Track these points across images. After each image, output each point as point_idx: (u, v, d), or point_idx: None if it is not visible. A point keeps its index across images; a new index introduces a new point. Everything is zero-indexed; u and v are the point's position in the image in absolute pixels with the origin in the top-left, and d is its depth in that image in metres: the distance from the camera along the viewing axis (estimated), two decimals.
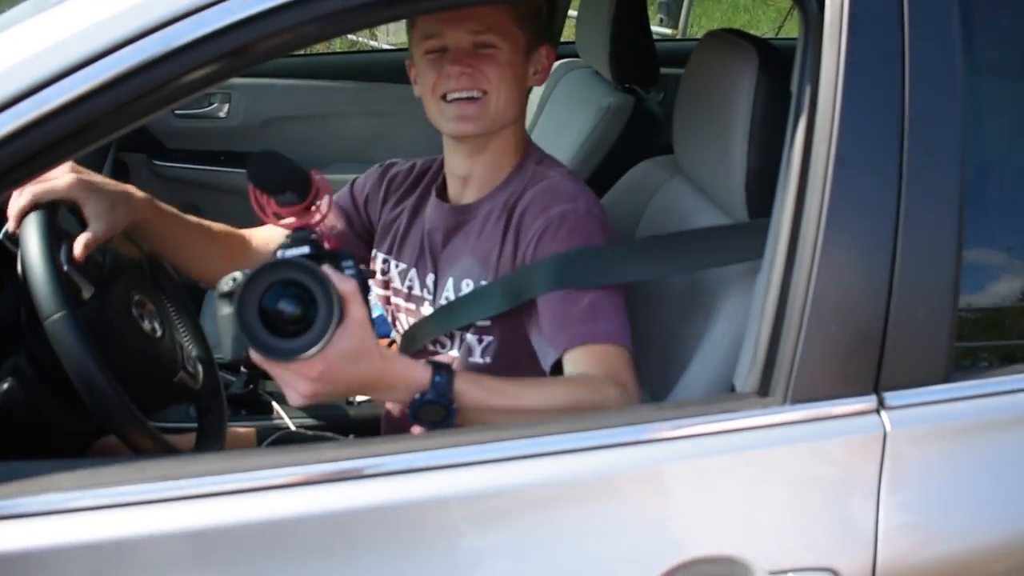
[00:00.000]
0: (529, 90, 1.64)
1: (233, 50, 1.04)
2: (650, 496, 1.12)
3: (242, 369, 1.88)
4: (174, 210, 1.73)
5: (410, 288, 1.70)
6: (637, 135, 2.57)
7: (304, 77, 3.14)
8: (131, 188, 1.62)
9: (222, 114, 3.04)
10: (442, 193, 1.69)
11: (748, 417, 1.14)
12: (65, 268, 1.37)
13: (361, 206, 1.80)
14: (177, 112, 2.98)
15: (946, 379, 1.20)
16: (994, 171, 1.32)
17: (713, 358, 1.41)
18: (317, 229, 1.23)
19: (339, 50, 5.78)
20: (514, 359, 1.53)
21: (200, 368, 1.61)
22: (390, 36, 7.13)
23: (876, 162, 1.15)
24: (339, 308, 1.06)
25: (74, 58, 0.99)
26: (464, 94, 1.51)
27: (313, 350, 1.05)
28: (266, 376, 1.96)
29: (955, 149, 1.18)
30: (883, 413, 1.17)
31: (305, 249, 1.18)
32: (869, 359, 1.17)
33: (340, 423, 2.01)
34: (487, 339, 1.56)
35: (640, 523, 1.11)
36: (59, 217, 1.44)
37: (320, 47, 6.63)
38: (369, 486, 1.05)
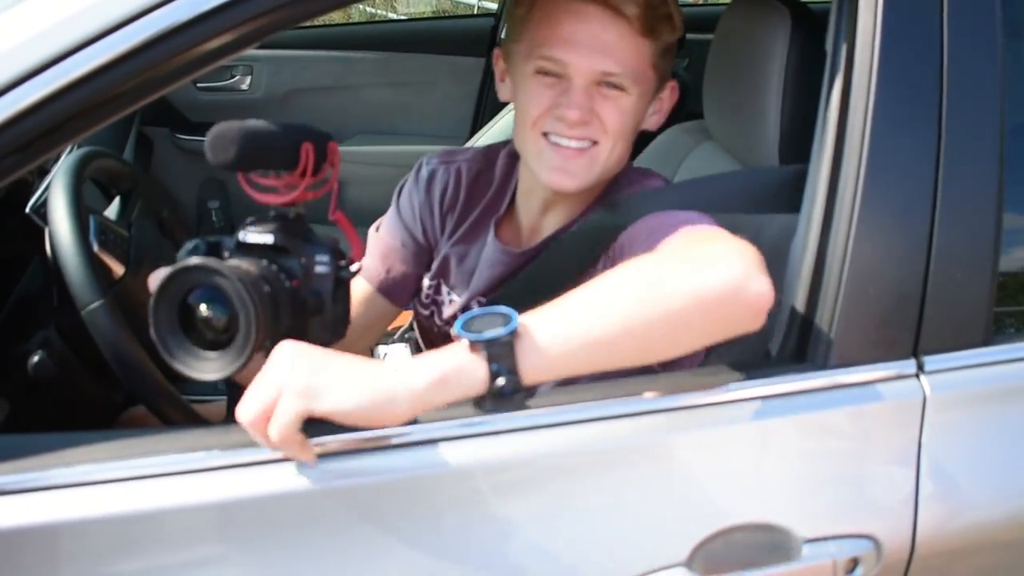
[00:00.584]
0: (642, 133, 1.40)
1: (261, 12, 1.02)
2: (687, 463, 1.11)
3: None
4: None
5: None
6: None
7: (325, 48, 3.13)
8: None
9: (244, 87, 3.03)
10: (500, 227, 1.47)
11: (786, 382, 1.12)
12: (95, 249, 1.38)
13: (418, 232, 1.55)
14: (199, 85, 2.98)
15: (986, 343, 1.18)
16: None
17: None
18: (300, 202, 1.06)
19: (359, 20, 5.76)
20: None
21: None
22: (410, 8, 7.10)
23: (915, 121, 1.13)
24: (256, 323, 0.90)
25: (98, 26, 0.98)
26: (574, 144, 1.29)
27: (223, 373, 0.93)
28: None
29: (995, 108, 1.16)
30: (922, 377, 1.15)
31: (268, 238, 1.03)
32: (908, 323, 1.15)
33: None
34: None
35: (678, 490, 1.10)
36: (84, 193, 1.44)
37: (340, 17, 6.61)
38: (396, 456, 1.02)
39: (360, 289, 1.57)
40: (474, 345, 0.90)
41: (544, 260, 1.37)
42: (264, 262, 1.02)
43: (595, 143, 1.29)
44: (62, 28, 0.98)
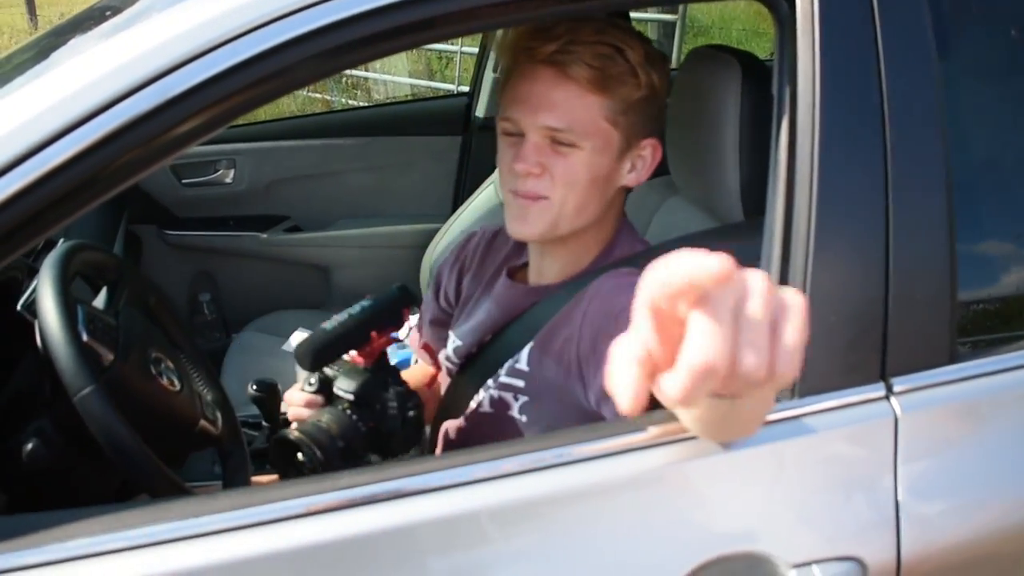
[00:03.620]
0: (628, 190, 1.47)
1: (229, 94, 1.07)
2: (668, 498, 1.13)
3: (263, 423, 1.90)
4: None
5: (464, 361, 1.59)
6: None
7: (306, 137, 3.19)
8: None
9: (228, 179, 3.09)
10: (515, 273, 1.58)
11: None
12: (85, 338, 1.41)
13: (441, 295, 1.72)
14: (184, 181, 3.04)
15: (952, 360, 1.21)
16: (978, 150, 1.34)
17: None
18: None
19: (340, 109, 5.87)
20: (552, 426, 1.39)
21: (219, 414, 1.64)
22: (388, 94, 7.24)
23: (860, 153, 1.17)
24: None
25: (73, 115, 1.03)
26: (529, 195, 1.37)
27: None
28: (287, 425, 2.00)
29: (937, 132, 1.20)
30: (892, 399, 1.18)
31: (349, 395, 1.43)
32: (873, 347, 1.18)
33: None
34: (522, 398, 1.44)
35: (661, 525, 1.12)
36: (73, 286, 1.49)
37: (321, 107, 6.74)
38: (380, 511, 1.06)
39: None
40: None
41: (541, 308, 1.44)
42: (347, 412, 1.43)
43: (548, 196, 1.36)
44: (35, 122, 1.03)
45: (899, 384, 1.18)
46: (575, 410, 1.34)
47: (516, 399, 1.46)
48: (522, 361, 1.45)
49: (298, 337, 2.65)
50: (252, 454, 1.84)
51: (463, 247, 1.71)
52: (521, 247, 1.59)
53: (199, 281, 3.12)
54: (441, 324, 1.73)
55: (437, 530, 1.08)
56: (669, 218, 1.80)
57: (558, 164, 1.34)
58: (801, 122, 1.17)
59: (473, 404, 1.54)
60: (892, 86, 1.17)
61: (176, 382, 1.54)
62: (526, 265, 1.56)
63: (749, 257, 1.26)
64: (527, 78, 1.34)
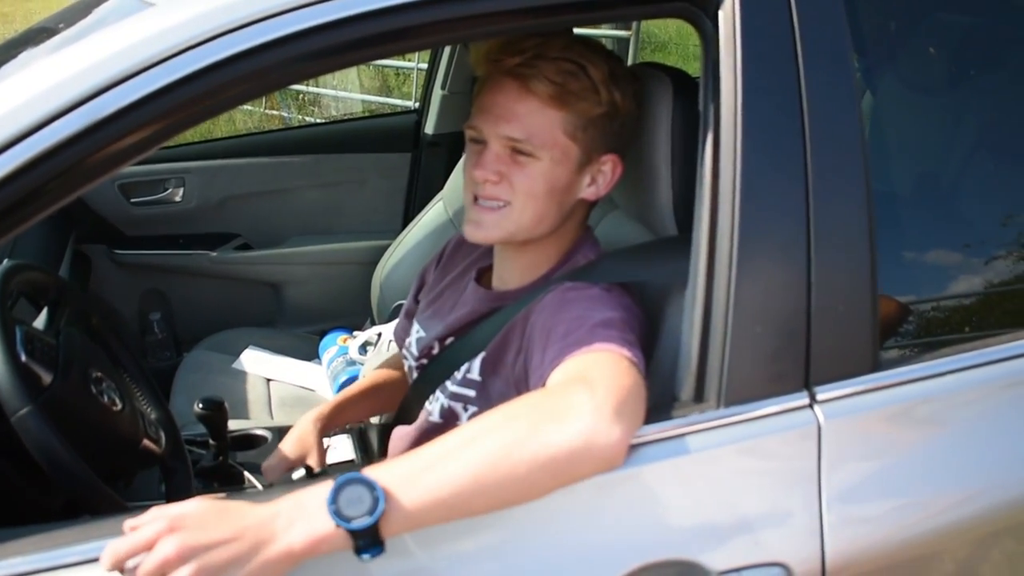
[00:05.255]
0: (592, 204, 1.52)
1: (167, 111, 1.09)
2: (597, 506, 1.15)
3: (210, 441, 1.91)
4: (343, 402, 1.92)
5: (424, 360, 1.64)
6: None
7: (256, 155, 3.19)
8: (319, 420, 1.84)
9: (178, 198, 3.08)
10: (483, 274, 1.63)
11: (684, 424, 1.18)
12: (23, 359, 1.42)
13: (422, 293, 1.78)
14: (133, 200, 3.02)
15: (874, 368, 1.25)
16: (898, 164, 1.38)
17: (660, 374, 1.45)
18: None
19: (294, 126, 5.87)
20: None
21: (162, 433, 1.65)
22: (341, 111, 7.25)
23: (781, 167, 1.21)
24: None
25: (10, 132, 1.04)
26: (487, 202, 1.42)
27: None
28: (236, 447, 2.01)
29: (856, 145, 1.23)
30: (816, 407, 1.21)
31: None
32: (796, 356, 1.21)
33: None
34: (472, 408, 1.49)
35: (591, 533, 1.14)
36: (15, 306, 1.49)
37: (276, 124, 6.73)
38: None
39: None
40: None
41: (499, 316, 1.47)
42: None
43: (507, 203, 1.40)
44: None
45: (822, 393, 1.21)
46: None
47: (465, 409, 1.49)
48: (474, 371, 1.48)
49: (249, 355, 2.65)
50: (199, 472, 1.85)
51: (445, 246, 1.78)
52: (490, 249, 1.62)
53: (149, 300, 3.11)
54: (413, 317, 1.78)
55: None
56: (610, 233, 1.83)
57: (517, 173, 1.39)
58: (724, 138, 1.21)
59: (424, 413, 1.57)
60: (812, 101, 1.21)
61: (118, 401, 1.55)
62: (490, 267, 1.61)
63: (682, 271, 1.31)
64: (493, 89, 1.40)
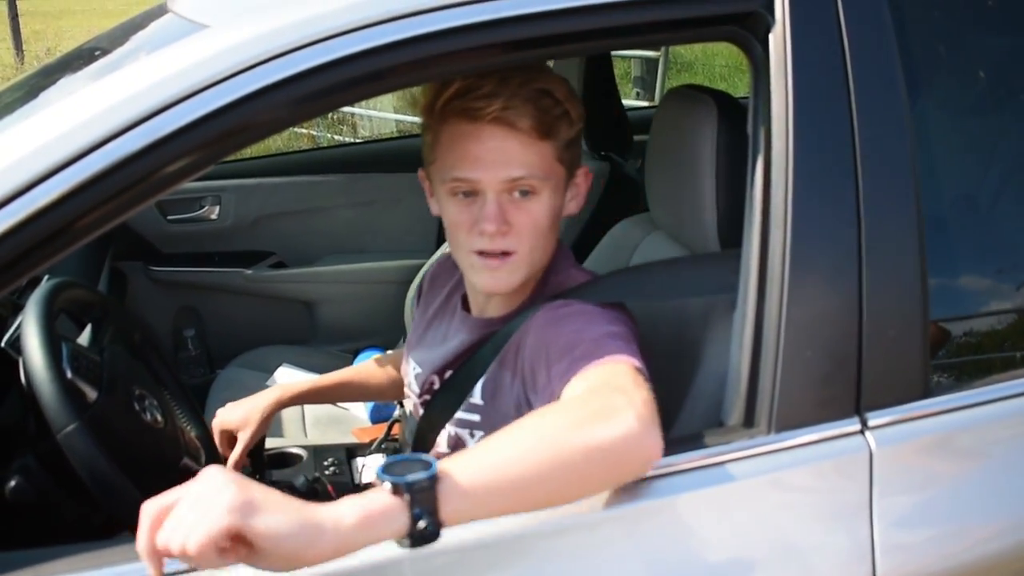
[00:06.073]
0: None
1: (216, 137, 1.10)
2: (647, 533, 1.14)
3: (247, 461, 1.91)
4: (314, 386, 1.96)
5: (427, 396, 1.60)
6: (616, 199, 2.64)
7: (291, 174, 3.21)
8: (281, 397, 1.88)
9: (213, 216, 3.10)
10: (467, 303, 1.60)
11: (734, 450, 1.17)
12: (69, 375, 1.43)
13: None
14: (169, 217, 3.05)
15: (925, 394, 1.24)
16: (949, 188, 1.37)
17: (703, 396, 1.44)
18: None
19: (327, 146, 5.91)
20: None
21: (202, 451, 1.65)
22: (373, 131, 7.28)
23: (833, 191, 1.20)
24: None
25: (63, 155, 1.05)
26: (498, 254, 1.38)
27: None
28: (271, 466, 2.01)
29: (907, 170, 1.23)
30: (867, 433, 1.20)
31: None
32: (848, 382, 1.20)
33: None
34: (479, 433, 1.46)
35: (638, 562, 1.13)
36: (57, 323, 1.50)
37: (307, 143, 6.77)
38: None
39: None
40: (397, 489, 0.92)
41: (493, 342, 1.44)
42: None
43: (514, 252, 1.38)
44: (26, 161, 1.05)
45: (873, 419, 1.20)
46: None
47: (472, 435, 1.47)
48: (476, 395, 1.46)
49: (283, 372, 2.66)
50: None
51: (422, 279, 1.79)
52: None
53: (184, 317, 3.13)
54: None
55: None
56: (650, 252, 1.83)
57: (521, 216, 1.37)
58: (775, 162, 1.20)
59: (435, 447, 1.55)
60: (863, 125, 1.20)
61: (160, 418, 1.55)
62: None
63: (721, 284, 1.30)
64: (475, 138, 1.35)
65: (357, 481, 2.04)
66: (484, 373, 1.45)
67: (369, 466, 2.06)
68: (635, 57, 7.59)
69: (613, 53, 3.53)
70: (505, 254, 1.38)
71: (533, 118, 1.34)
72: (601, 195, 2.65)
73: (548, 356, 1.28)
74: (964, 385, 1.29)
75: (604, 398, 1.09)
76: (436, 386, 1.57)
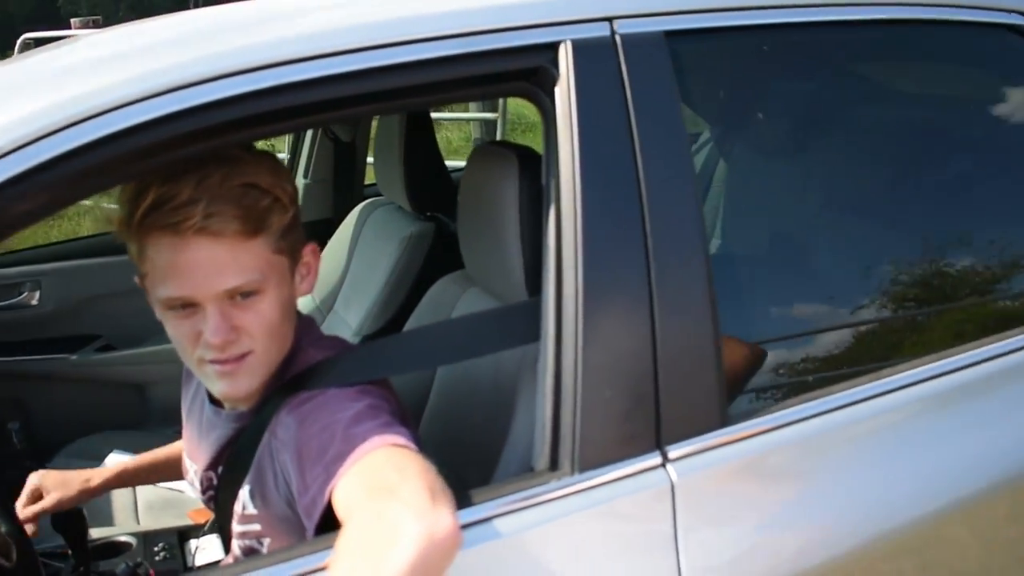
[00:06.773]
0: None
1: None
2: None
3: (69, 552, 1.83)
4: (130, 468, 1.95)
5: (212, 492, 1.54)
6: (444, 259, 2.65)
7: (113, 254, 3.13)
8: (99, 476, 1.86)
9: (34, 302, 2.99)
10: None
11: (540, 493, 1.19)
12: None
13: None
14: None
15: (723, 423, 1.28)
16: (734, 225, 1.44)
17: (518, 444, 1.45)
18: None
19: None
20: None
21: (13, 547, 1.57)
22: None
23: (620, 235, 1.24)
24: None
25: None
26: (231, 361, 1.30)
27: None
28: (98, 556, 1.93)
29: (693, 213, 1.28)
30: (668, 466, 1.23)
31: None
32: (647, 418, 1.24)
33: None
34: (266, 540, 1.40)
35: None
36: None
37: None
38: None
39: None
40: None
41: (247, 435, 1.40)
42: None
43: (250, 352, 1.31)
44: None
45: (673, 451, 1.24)
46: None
47: (260, 543, 1.42)
48: (248, 507, 1.40)
49: (113, 459, 2.56)
50: None
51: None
52: None
53: (7, 409, 2.99)
54: None
55: None
56: (469, 308, 1.85)
57: (248, 317, 1.29)
58: (565, 210, 1.24)
59: (231, 557, 1.50)
60: (648, 169, 1.25)
61: None
62: None
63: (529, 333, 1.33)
64: (180, 251, 1.25)
65: (190, 564, 1.97)
66: (247, 476, 1.39)
67: (203, 548, 2.00)
68: (474, 119, 7.73)
69: (453, 115, 3.59)
70: (241, 356, 1.31)
71: (239, 219, 1.25)
72: (426, 256, 2.66)
73: (301, 462, 1.24)
74: (762, 411, 1.34)
75: (379, 516, 1.03)
76: (215, 482, 1.51)
